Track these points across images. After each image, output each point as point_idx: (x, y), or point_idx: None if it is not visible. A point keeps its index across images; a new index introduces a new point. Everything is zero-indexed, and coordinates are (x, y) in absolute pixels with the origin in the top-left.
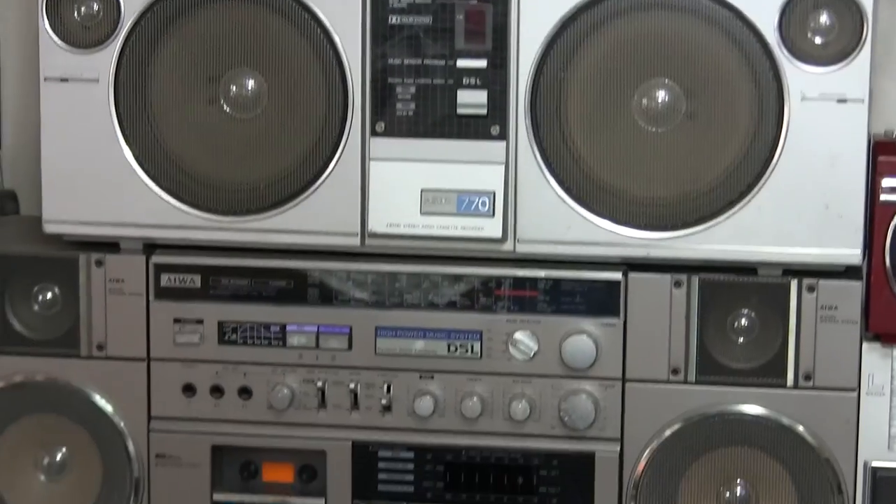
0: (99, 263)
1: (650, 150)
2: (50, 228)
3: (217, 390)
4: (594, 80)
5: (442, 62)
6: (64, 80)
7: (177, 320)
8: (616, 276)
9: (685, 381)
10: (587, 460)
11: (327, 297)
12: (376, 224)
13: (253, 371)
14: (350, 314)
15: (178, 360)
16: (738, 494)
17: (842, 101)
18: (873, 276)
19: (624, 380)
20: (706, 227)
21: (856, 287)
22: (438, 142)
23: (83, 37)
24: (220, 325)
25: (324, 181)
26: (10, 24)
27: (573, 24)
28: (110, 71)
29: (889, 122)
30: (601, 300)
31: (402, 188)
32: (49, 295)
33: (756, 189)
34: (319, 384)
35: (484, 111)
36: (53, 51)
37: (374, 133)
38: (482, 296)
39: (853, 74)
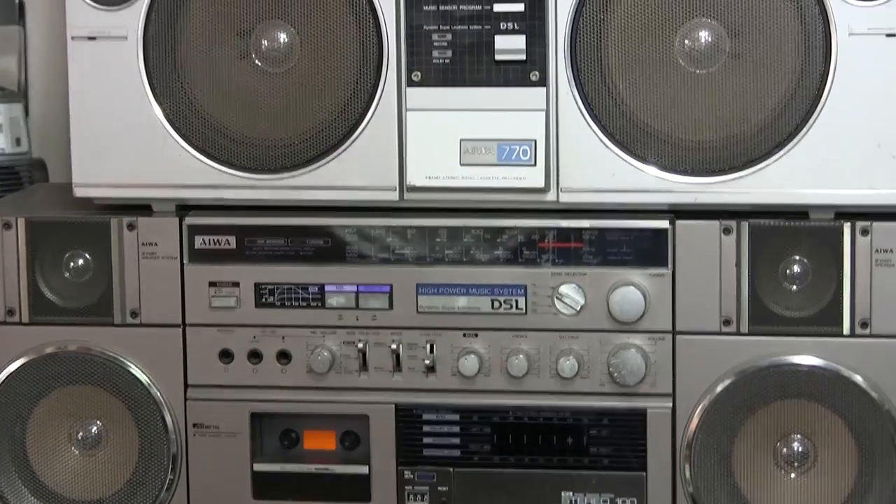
0: (131, 227)
1: (694, 93)
2: (80, 192)
3: (255, 355)
4: (635, 22)
5: (478, 7)
6: (91, 38)
7: (212, 284)
8: (663, 223)
9: (737, 333)
10: (639, 418)
11: (366, 254)
12: (415, 177)
13: (291, 334)
14: (390, 272)
15: (214, 326)
16: (795, 450)
17: (891, 34)
18: None
19: (674, 332)
20: (755, 171)
21: None
22: (476, 90)
23: None
24: (257, 287)
25: (360, 135)
26: None
27: None
28: (139, 28)
29: None
30: (648, 250)
31: (441, 139)
32: (80, 261)
33: (805, 129)
34: (360, 346)
35: (523, 56)
36: (80, 8)
37: (410, 83)
38: (525, 249)
39: None
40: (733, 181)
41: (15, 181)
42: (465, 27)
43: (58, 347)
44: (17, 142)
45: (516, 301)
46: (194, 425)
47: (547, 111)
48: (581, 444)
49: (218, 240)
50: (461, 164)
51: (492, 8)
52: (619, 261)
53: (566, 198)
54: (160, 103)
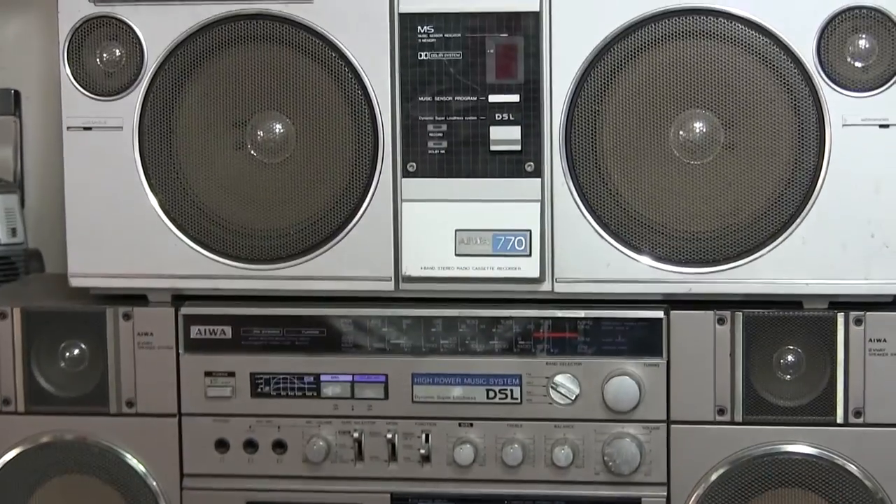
0: (127, 317)
1: (689, 183)
2: (76, 282)
3: (251, 445)
4: (629, 113)
5: (473, 98)
6: (87, 128)
7: (208, 373)
8: (658, 314)
9: (732, 422)
10: None
11: (361, 344)
12: (410, 267)
13: (287, 424)
14: (385, 362)
15: (209, 415)
16: None
17: (884, 125)
18: None
19: (669, 422)
20: (749, 261)
21: None
22: (472, 180)
23: (106, 84)
24: (253, 376)
25: (355, 225)
26: (33, 78)
27: (606, 55)
28: (134, 118)
29: None
30: (643, 340)
31: (436, 229)
32: (76, 351)
33: (799, 220)
34: (356, 435)
35: (518, 147)
36: (76, 99)
37: (405, 173)
38: (521, 339)
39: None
40: (727, 271)
41: (11, 271)
42: (461, 118)
43: (54, 437)
44: (13, 232)
45: (511, 391)
46: None
47: (542, 201)
48: None
49: (214, 329)
50: (456, 255)
51: (487, 99)
52: (614, 350)
53: (561, 288)
54: (156, 193)
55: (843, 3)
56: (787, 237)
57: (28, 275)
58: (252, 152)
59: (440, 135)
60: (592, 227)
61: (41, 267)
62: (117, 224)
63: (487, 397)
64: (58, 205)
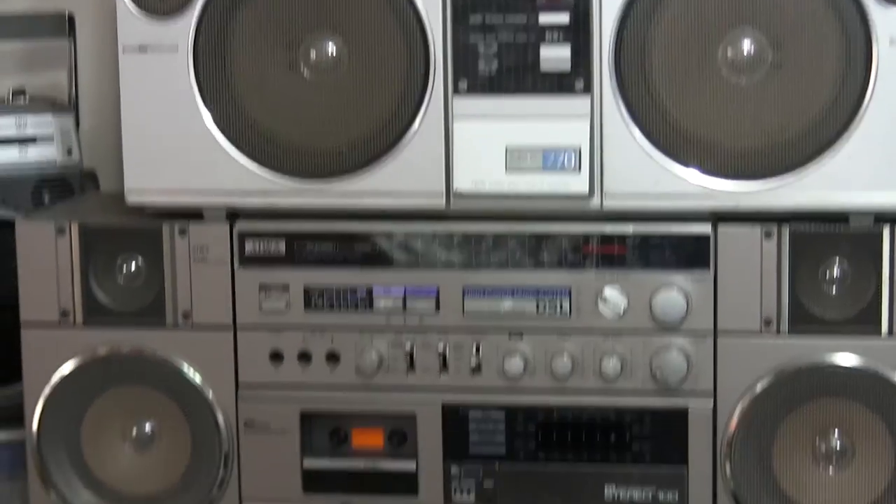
0: (182, 233)
1: (737, 101)
2: (132, 199)
3: (304, 356)
4: (678, 32)
5: (524, 18)
6: (142, 49)
7: (262, 287)
8: (705, 229)
9: (778, 333)
10: (680, 416)
11: (413, 259)
12: (461, 183)
13: (340, 336)
14: (437, 275)
15: (264, 328)
16: (834, 447)
17: None
18: None
19: (716, 333)
20: (796, 176)
21: None
22: (522, 98)
23: (161, 4)
24: (306, 290)
25: (407, 142)
26: (86, 0)
27: None
28: (189, 38)
29: None
30: (690, 254)
31: (487, 146)
32: (133, 266)
33: (845, 136)
34: (407, 347)
35: (567, 66)
36: (131, 20)
37: (456, 92)
38: (570, 253)
39: None
40: (775, 187)
41: (67, 191)
42: (512, 37)
43: (111, 349)
44: (69, 152)
45: (561, 303)
46: (245, 424)
47: (591, 119)
48: (624, 440)
49: (268, 245)
50: (507, 171)
51: (537, 20)
52: (662, 264)
53: (610, 203)
54: (211, 112)
55: None
56: (833, 153)
57: (84, 194)
58: (305, 72)
59: (491, 54)
60: (640, 144)
61: (96, 186)
62: (173, 143)
63: (537, 310)
64: (112, 126)
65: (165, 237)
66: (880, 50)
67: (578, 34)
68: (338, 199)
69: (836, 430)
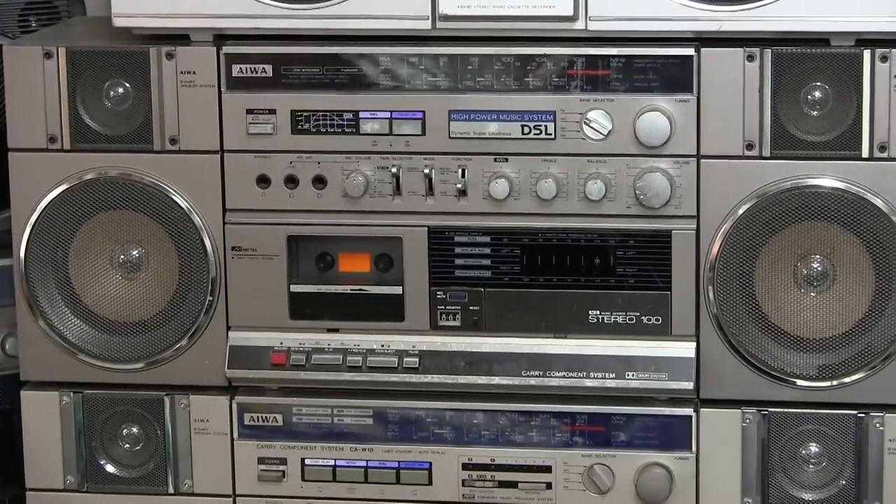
0: (170, 56)
1: None
2: (119, 22)
3: (291, 180)
4: None
5: None
6: None
7: (249, 111)
8: (689, 51)
9: (760, 157)
10: (664, 238)
11: (399, 82)
12: (447, 5)
13: (327, 160)
14: (423, 99)
15: (251, 152)
16: (815, 269)
17: None
18: None
19: (699, 156)
20: None
21: None
22: None
23: None
24: (293, 114)
25: None
26: None
27: None
28: None
29: None
30: (674, 76)
31: None
32: (120, 90)
33: None
34: (394, 170)
35: None
36: None
37: None
38: (555, 76)
39: None
40: (757, 9)
41: (53, 14)
42: None
43: (98, 173)
44: None
45: (545, 126)
46: (233, 248)
47: None
48: (608, 264)
49: (255, 68)
50: None
51: None
52: (646, 87)
53: (595, 25)
54: None
55: None
56: None
57: (71, 18)
58: None
59: None
60: None
61: (83, 11)
62: None
63: (522, 133)
64: None
65: (153, 60)
66: None
67: None
68: (325, 22)
69: (818, 253)
